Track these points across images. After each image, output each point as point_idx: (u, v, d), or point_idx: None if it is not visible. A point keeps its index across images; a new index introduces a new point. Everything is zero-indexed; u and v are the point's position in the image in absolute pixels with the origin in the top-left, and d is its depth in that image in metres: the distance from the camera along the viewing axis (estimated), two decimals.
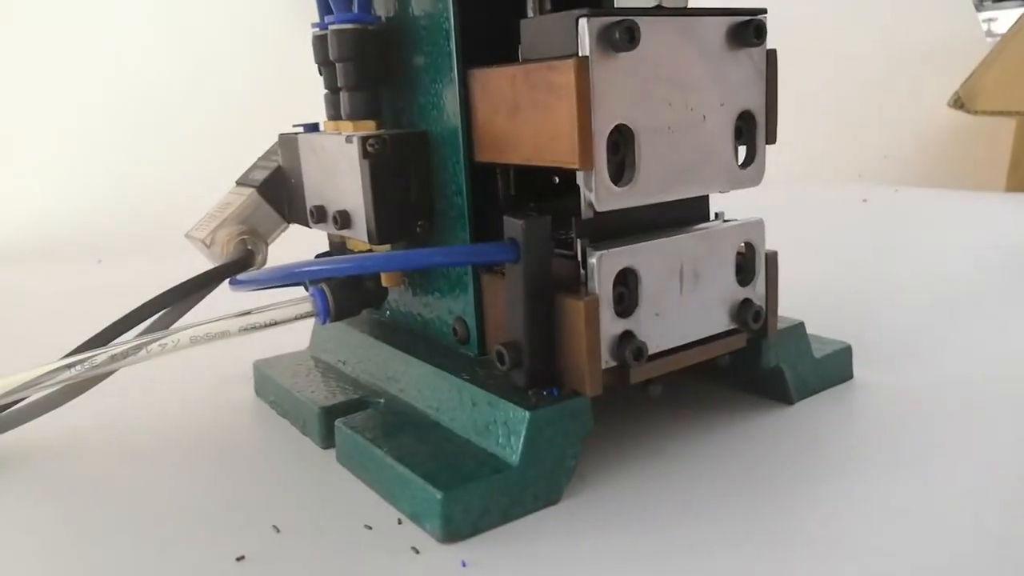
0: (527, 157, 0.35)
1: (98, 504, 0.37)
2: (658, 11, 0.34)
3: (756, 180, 0.38)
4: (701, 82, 0.35)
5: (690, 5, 0.36)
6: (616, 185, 0.34)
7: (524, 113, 0.34)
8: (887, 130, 1.35)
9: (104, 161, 1.23)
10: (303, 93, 0.45)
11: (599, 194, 0.33)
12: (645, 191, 0.34)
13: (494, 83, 0.36)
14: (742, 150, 0.38)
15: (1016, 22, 1.03)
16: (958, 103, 1.00)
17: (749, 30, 0.36)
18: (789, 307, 0.43)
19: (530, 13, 0.37)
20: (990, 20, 1.63)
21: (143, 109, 1.26)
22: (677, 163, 0.35)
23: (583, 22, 0.32)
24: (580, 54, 0.32)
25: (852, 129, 1.34)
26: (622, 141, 0.34)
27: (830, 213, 0.99)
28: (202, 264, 0.47)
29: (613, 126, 0.33)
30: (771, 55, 0.37)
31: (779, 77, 0.38)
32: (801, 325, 0.43)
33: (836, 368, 0.45)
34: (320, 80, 0.44)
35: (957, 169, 1.22)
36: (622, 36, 0.32)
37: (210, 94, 1.27)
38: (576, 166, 0.33)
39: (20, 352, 0.61)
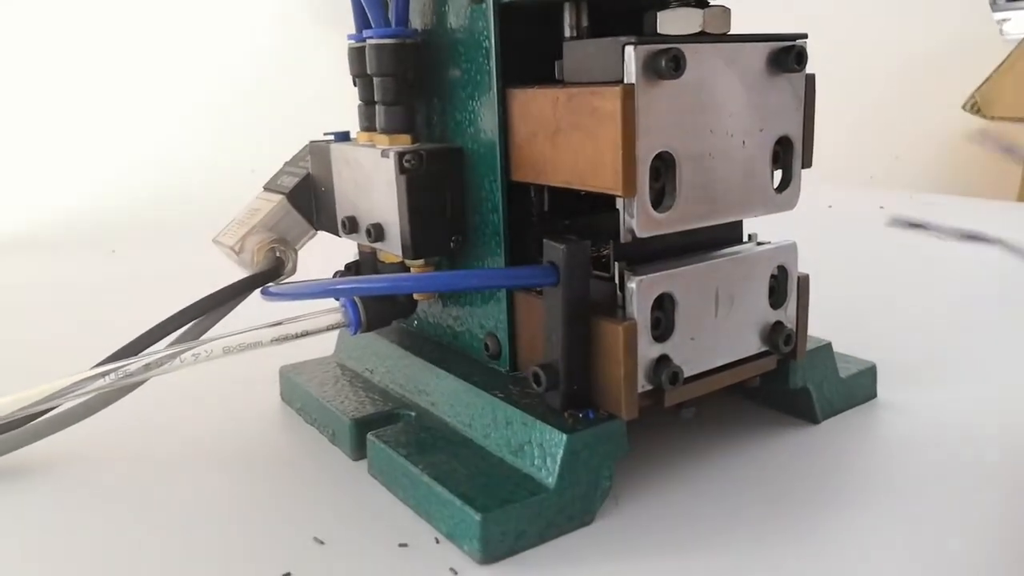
0: (567, 180, 0.35)
1: (135, 516, 0.38)
2: (701, 37, 0.34)
3: (791, 204, 0.38)
4: (742, 108, 0.35)
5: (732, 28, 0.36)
6: (656, 211, 0.34)
7: (565, 136, 0.34)
8: (899, 132, 1.35)
9: (118, 149, 1.23)
10: (324, 89, 0.45)
11: (640, 221, 0.33)
12: (684, 217, 0.35)
13: (534, 104, 0.36)
14: (777, 174, 0.38)
15: None
16: (975, 107, 1.00)
17: (791, 56, 0.36)
18: (812, 322, 0.43)
19: (567, 32, 0.37)
20: (1003, 20, 1.62)
21: (159, 98, 1.26)
22: (716, 189, 0.35)
23: (629, 49, 0.32)
24: (626, 81, 0.32)
25: (865, 130, 1.34)
26: (663, 168, 0.34)
27: (848, 223, 0.99)
28: (214, 260, 0.47)
29: (656, 153, 0.33)
30: (810, 80, 0.37)
31: None
32: (828, 346, 0.43)
33: (861, 388, 0.45)
34: (341, 80, 0.43)
35: (969, 173, 1.23)
36: (668, 64, 0.32)
37: (229, 85, 1.27)
38: (619, 193, 0.33)
39: (39, 345, 0.62)
